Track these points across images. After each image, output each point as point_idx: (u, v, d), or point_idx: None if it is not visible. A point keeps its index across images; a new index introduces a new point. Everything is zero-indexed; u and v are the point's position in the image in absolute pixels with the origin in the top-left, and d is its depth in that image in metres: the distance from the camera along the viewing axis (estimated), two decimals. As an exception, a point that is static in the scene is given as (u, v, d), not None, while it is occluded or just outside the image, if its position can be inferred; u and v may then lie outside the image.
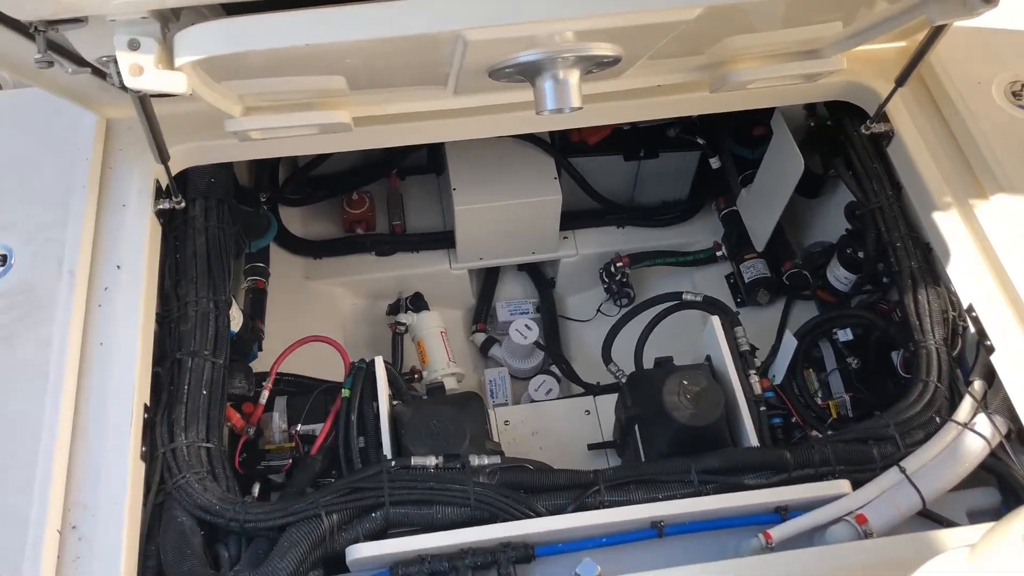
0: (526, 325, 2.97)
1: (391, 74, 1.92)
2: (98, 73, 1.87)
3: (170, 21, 1.44)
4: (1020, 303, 2.02)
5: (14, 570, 1.63)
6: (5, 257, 2.01)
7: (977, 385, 2.03)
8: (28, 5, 1.28)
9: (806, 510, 1.89)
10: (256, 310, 2.64)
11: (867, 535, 1.82)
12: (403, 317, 2.89)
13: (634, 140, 3.00)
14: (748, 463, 1.97)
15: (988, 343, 2.03)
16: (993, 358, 2.02)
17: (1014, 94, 2.29)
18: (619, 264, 3.05)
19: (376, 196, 3.14)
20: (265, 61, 1.69)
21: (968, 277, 2.11)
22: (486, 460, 2.00)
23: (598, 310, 3.15)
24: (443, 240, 3.08)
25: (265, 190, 2.91)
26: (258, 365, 2.47)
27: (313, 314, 2.96)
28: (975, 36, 2.41)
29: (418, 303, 2.95)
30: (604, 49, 1.65)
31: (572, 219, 3.10)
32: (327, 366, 2.43)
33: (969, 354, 2.13)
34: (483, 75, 1.76)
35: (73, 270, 1.97)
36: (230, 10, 1.44)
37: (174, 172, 2.17)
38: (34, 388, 1.83)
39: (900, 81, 2.15)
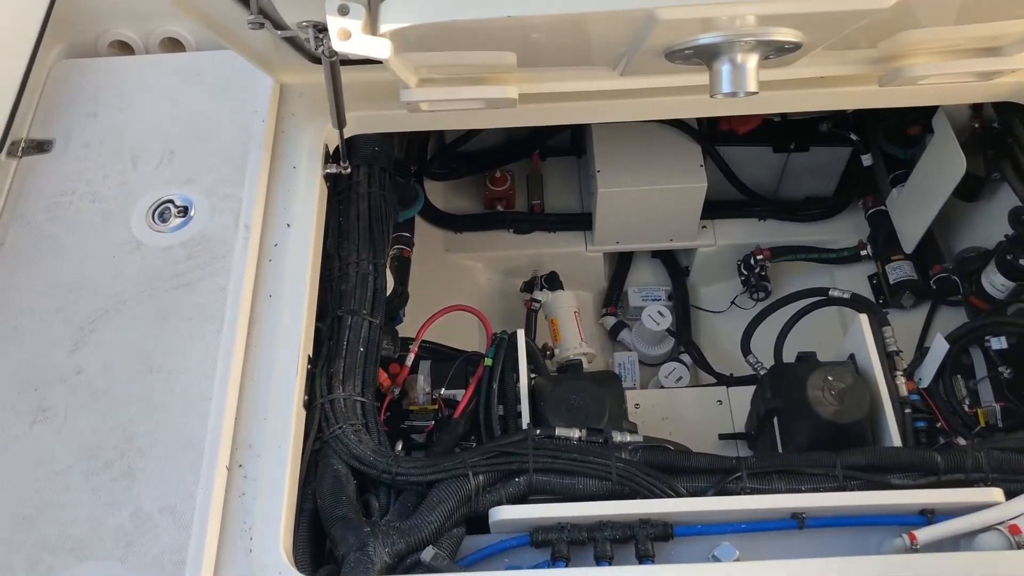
0: (659, 312, 2.98)
1: (564, 53, 1.96)
2: (289, 40, 1.99)
3: (373, -10, 1.51)
4: None
5: (189, 497, 1.75)
6: (186, 208, 2.14)
7: None
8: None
9: (953, 516, 1.85)
10: (401, 277, 2.73)
11: (1020, 547, 1.78)
12: (538, 295, 2.95)
13: (785, 132, 2.96)
14: (895, 462, 1.94)
15: None
16: None
17: None
18: (759, 257, 3.03)
19: (517, 175, 3.20)
20: (448, 34, 1.75)
21: None
22: (628, 437, 2.03)
23: (732, 302, 3.14)
24: (581, 222, 3.11)
25: (414, 163, 3.01)
26: (402, 331, 2.56)
27: (451, 286, 3.05)
28: None
29: (553, 282, 3.00)
30: (787, 35, 1.64)
31: (713, 208, 3.08)
32: (466, 338, 2.51)
33: None
34: (659, 56, 1.78)
35: (249, 224, 2.09)
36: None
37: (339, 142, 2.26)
38: (210, 332, 1.95)
39: (1086, 82, 2.06)
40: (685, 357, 3.03)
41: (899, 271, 2.84)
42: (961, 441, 2.20)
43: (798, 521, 1.86)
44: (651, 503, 1.86)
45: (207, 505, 1.74)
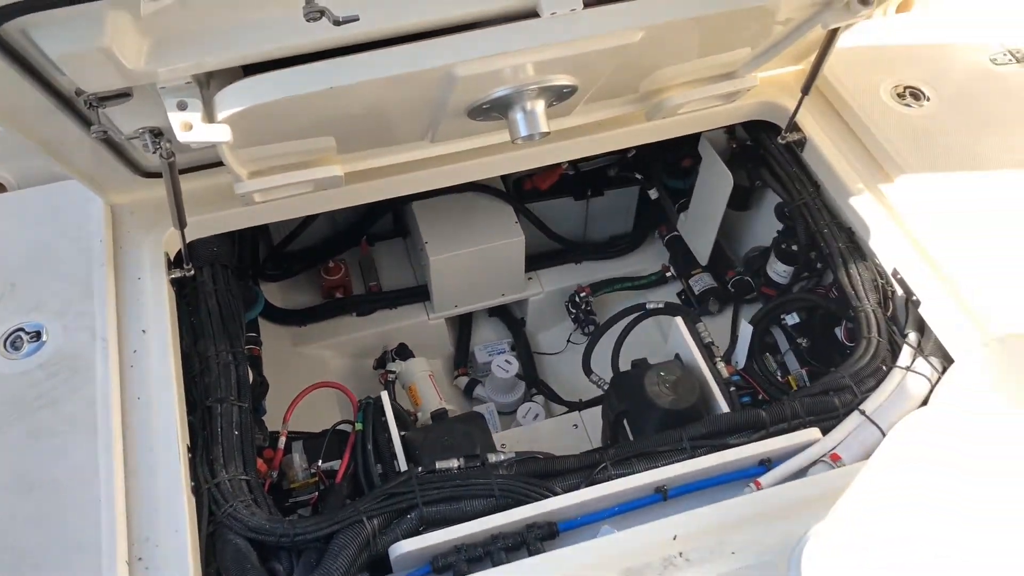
0: (506, 360, 3.23)
1: (379, 133, 2.21)
2: (121, 155, 2.13)
3: (204, 87, 1.70)
4: (934, 262, 2.35)
5: (94, 600, 1.78)
6: (38, 333, 2.18)
7: (912, 336, 2.35)
8: (96, 79, 1.53)
9: (786, 459, 2.16)
10: (257, 371, 2.83)
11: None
12: (392, 366, 3.11)
13: (581, 182, 3.33)
14: (731, 425, 2.23)
15: (915, 298, 2.35)
16: (921, 310, 2.35)
17: (898, 95, 2.69)
18: (582, 294, 3.35)
19: (350, 262, 3.39)
20: (272, 125, 1.95)
21: (888, 248, 2.45)
22: (502, 456, 2.23)
23: (568, 340, 3.42)
24: (419, 294, 3.33)
25: (248, 268, 3.13)
26: (267, 422, 2.65)
27: (306, 377, 3.13)
28: (862, 53, 2.83)
29: (404, 352, 3.18)
30: (563, 79, 1.96)
31: (534, 261, 3.39)
32: (331, 419, 2.62)
33: (900, 314, 2.46)
34: (463, 116, 2.06)
35: (105, 336, 2.16)
36: (248, 71, 1.72)
37: (181, 245, 2.39)
38: (86, 440, 2.00)
39: (805, 89, 2.52)
40: (538, 397, 3.26)
41: (700, 282, 3.23)
42: (782, 403, 2.55)
43: (662, 494, 2.11)
44: (533, 507, 2.05)
45: (114, 604, 1.78)
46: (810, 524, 1.76)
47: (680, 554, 1.91)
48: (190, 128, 1.62)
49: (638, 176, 3.34)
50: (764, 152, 2.84)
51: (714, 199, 3.02)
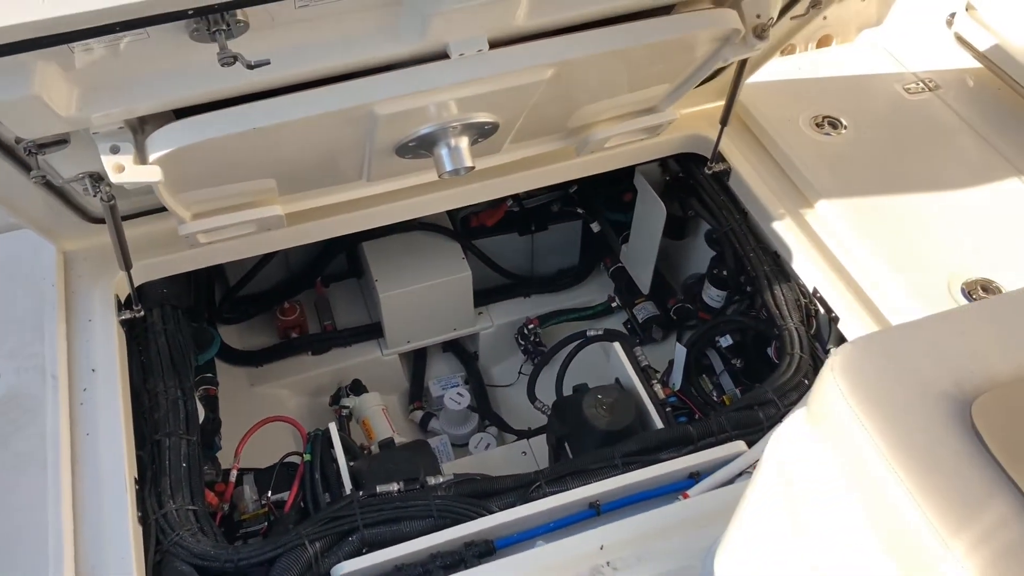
0: (459, 392, 3.32)
1: (315, 173, 2.32)
2: (67, 201, 2.24)
3: (137, 132, 1.81)
4: (852, 281, 2.49)
5: (41, 630, 1.84)
6: (-9, 375, 2.26)
7: (834, 351, 2.46)
8: (33, 126, 1.64)
9: (714, 472, 2.25)
10: (211, 408, 2.90)
11: (766, 479, 2.19)
12: (346, 401, 3.19)
13: (525, 218, 3.46)
14: (660, 441, 2.32)
15: (834, 315, 2.48)
16: (840, 326, 2.47)
17: (816, 125, 2.84)
18: (530, 326, 3.45)
19: (305, 305, 3.48)
20: (209, 168, 2.06)
21: (810, 269, 2.58)
22: (441, 479, 2.31)
23: (519, 372, 3.52)
24: (372, 331, 3.42)
25: (204, 311, 3.22)
26: (220, 458, 2.72)
27: (262, 416, 3.22)
28: (783, 87, 3.00)
29: (357, 388, 3.26)
30: (484, 116, 2.09)
31: (484, 296, 3.50)
32: (283, 452, 2.70)
33: (824, 331, 2.58)
34: (391, 154, 2.18)
35: (55, 374, 2.25)
36: (180, 116, 1.83)
37: (129, 288, 2.48)
38: (35, 474, 2.07)
39: (723, 121, 2.67)
40: (491, 428, 3.35)
41: (644, 311, 3.35)
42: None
43: (595, 509, 2.19)
44: (469, 526, 2.13)
45: (61, 633, 1.84)
46: (729, 529, 1.85)
47: (607, 563, 1.99)
48: (122, 170, 1.72)
49: (580, 211, 3.47)
50: (694, 183, 2.97)
51: (651, 230, 3.15)
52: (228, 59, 1.45)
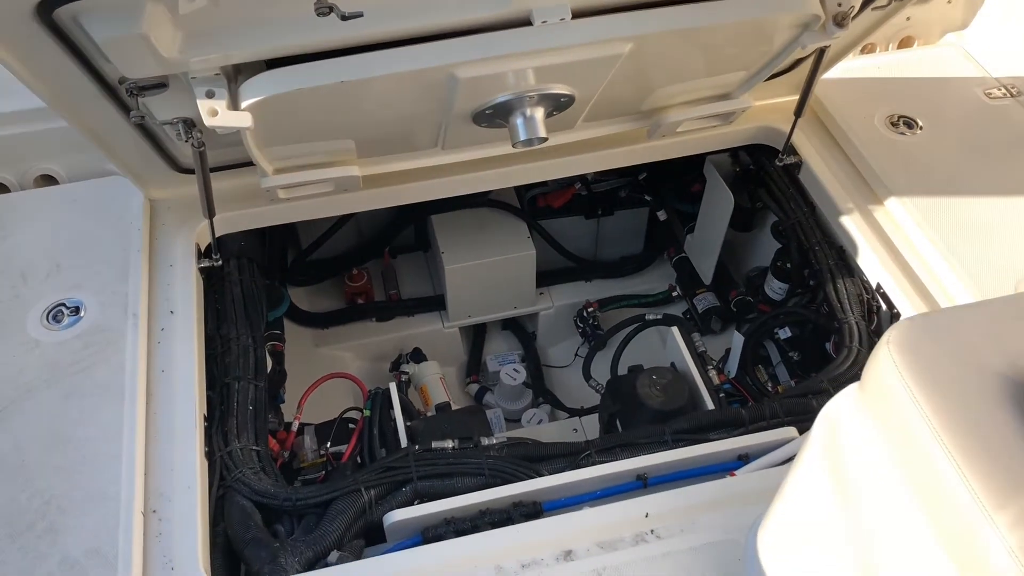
0: (515, 368, 3.38)
1: (392, 137, 2.40)
2: (159, 148, 2.35)
3: (231, 81, 1.91)
4: (916, 279, 2.48)
5: (111, 541, 1.95)
6: (78, 308, 2.39)
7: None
8: (137, 65, 1.75)
9: (763, 455, 2.27)
10: (277, 361, 3.01)
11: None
12: (405, 367, 3.28)
13: (592, 202, 3.50)
14: (712, 422, 2.35)
15: (896, 311, 2.47)
16: (901, 322, 2.46)
17: (892, 124, 2.83)
18: (590, 309, 3.50)
19: (373, 272, 3.58)
20: (294, 122, 2.16)
21: (874, 265, 2.57)
22: (494, 440, 2.37)
23: (576, 354, 3.56)
24: (435, 303, 3.50)
25: (277, 271, 3.34)
26: (284, 411, 2.82)
27: (324, 374, 3.33)
28: (861, 84, 2.99)
29: (418, 356, 3.35)
30: (560, 88, 2.15)
31: (546, 277, 3.56)
32: (342, 409, 2.80)
33: (884, 327, 2.57)
34: (468, 122, 2.25)
35: (136, 313, 2.37)
36: (272, 66, 1.92)
37: (210, 237, 2.60)
38: (113, 404, 2.19)
39: (797, 112, 2.67)
40: (544, 405, 3.40)
41: (704, 301, 3.37)
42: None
43: (642, 481, 2.23)
44: (519, 486, 2.18)
45: (128, 544, 1.94)
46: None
47: (652, 531, 2.03)
48: (215, 114, 1.82)
49: (648, 198, 3.50)
50: (764, 175, 2.98)
51: (717, 220, 3.17)
52: (324, 9, 1.53)
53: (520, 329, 3.66)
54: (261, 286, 2.73)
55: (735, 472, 2.21)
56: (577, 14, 1.86)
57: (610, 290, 3.62)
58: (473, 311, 3.48)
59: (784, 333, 2.87)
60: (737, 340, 2.82)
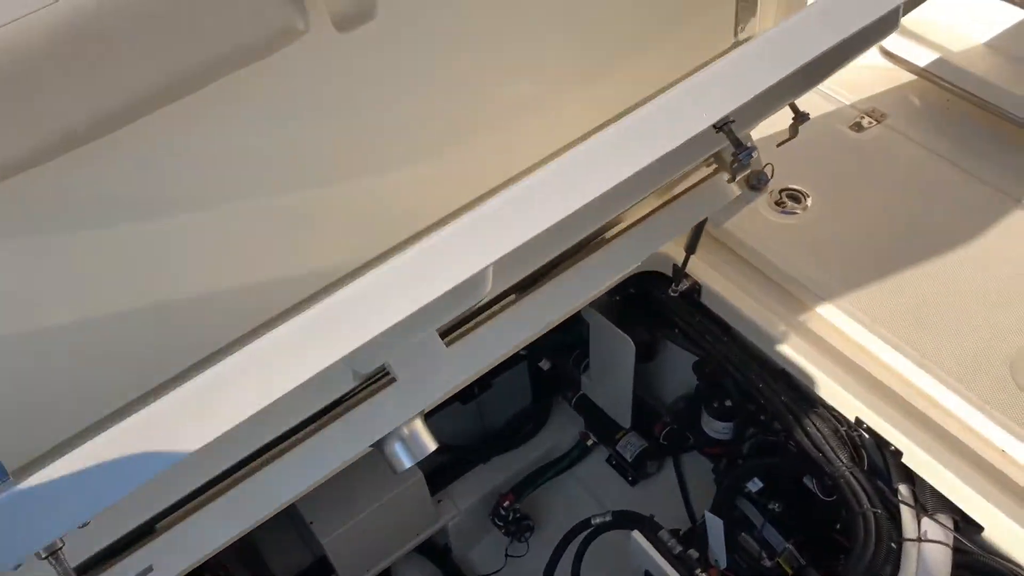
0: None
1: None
2: None
3: None
4: (899, 398, 2.04)
5: None
6: None
7: (904, 490, 2.02)
8: None
9: None
10: None
11: None
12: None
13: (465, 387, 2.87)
14: None
15: (892, 448, 2.03)
16: (904, 460, 2.02)
17: (777, 204, 2.39)
18: (506, 504, 2.89)
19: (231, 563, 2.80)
20: None
21: (838, 390, 2.11)
22: None
23: (506, 554, 2.95)
24: (319, 570, 2.78)
25: None
26: None
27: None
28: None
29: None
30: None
31: (437, 481, 2.91)
32: None
33: (875, 458, 2.13)
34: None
35: None
36: None
37: None
38: None
39: (690, 249, 2.18)
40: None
41: (631, 447, 2.84)
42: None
43: None
44: None
45: None
46: None
47: None
48: None
49: (523, 352, 2.91)
50: (657, 304, 2.47)
51: (618, 366, 2.65)
52: None
53: (430, 548, 3.00)
54: None
55: None
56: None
57: (513, 463, 3.01)
58: (370, 564, 2.79)
59: (754, 485, 2.39)
60: (714, 523, 2.29)
